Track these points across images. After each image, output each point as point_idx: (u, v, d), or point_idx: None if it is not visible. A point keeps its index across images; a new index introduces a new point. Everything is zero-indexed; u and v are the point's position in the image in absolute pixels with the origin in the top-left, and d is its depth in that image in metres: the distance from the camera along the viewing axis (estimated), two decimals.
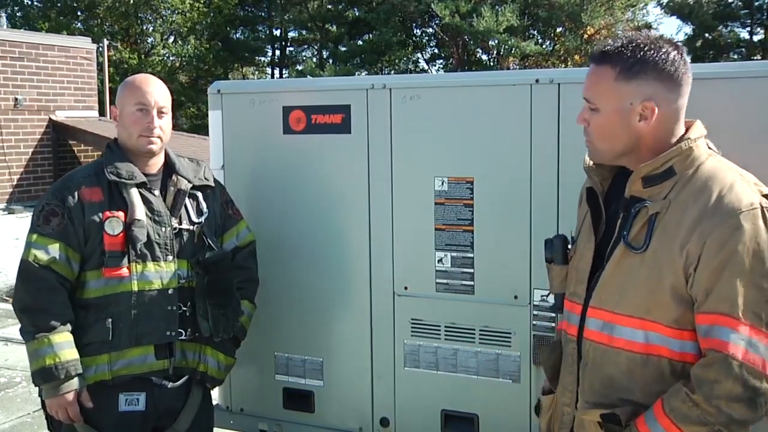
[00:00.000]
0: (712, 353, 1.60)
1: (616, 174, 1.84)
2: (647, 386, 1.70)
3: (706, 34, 25.19)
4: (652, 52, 1.68)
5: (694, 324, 1.65)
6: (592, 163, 1.85)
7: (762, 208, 1.61)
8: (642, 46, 1.69)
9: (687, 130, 1.74)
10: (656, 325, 1.68)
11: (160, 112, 2.51)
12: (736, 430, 1.61)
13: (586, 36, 23.60)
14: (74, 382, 2.38)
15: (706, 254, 1.60)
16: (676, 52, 1.70)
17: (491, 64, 24.93)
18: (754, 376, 1.57)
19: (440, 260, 2.69)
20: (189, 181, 2.58)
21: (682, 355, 1.68)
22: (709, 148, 1.76)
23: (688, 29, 26.10)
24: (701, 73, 2.32)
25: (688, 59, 1.74)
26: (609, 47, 1.73)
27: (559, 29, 24.49)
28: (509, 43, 22.44)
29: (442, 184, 2.66)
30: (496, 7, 21.75)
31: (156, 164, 2.56)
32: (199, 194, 2.62)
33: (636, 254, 1.69)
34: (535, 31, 25.22)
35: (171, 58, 24.66)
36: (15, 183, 12.09)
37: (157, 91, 2.52)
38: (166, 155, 2.60)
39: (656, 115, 1.69)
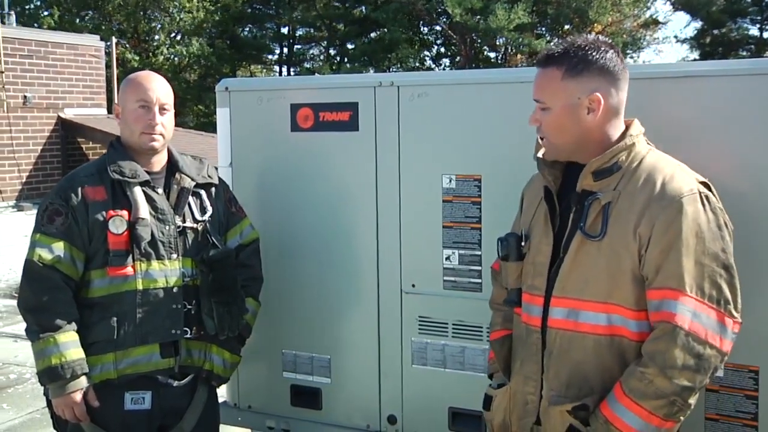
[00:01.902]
0: (662, 325, 1.76)
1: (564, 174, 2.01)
2: (612, 369, 1.85)
3: (715, 30, 25.04)
4: (593, 51, 1.87)
5: None
6: (543, 162, 2.01)
7: (700, 193, 1.81)
8: (583, 46, 1.88)
9: (627, 127, 1.93)
10: (618, 307, 1.84)
11: (162, 109, 2.49)
12: (688, 397, 1.76)
13: (593, 33, 23.52)
14: (80, 381, 2.37)
15: (655, 235, 1.78)
16: (613, 51, 1.90)
17: (499, 61, 24.89)
18: (698, 343, 1.74)
19: (448, 258, 2.69)
20: (192, 179, 2.58)
21: (640, 335, 1.83)
22: (647, 143, 1.94)
23: (696, 25, 25.97)
24: (704, 71, 2.32)
25: (624, 59, 1.93)
26: (553, 51, 1.92)
27: (567, 26, 24.42)
28: (519, 40, 22.40)
29: (450, 181, 2.66)
30: (508, 5, 21.70)
31: (159, 162, 2.56)
32: (203, 192, 2.61)
33: (594, 242, 1.85)
34: (544, 28, 25.16)
35: (176, 58, 24.66)
36: (24, 180, 12.15)
37: (159, 88, 2.50)
38: (169, 153, 2.59)
39: (602, 107, 1.87)
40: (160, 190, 2.52)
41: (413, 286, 2.76)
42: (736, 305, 1.80)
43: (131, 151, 2.51)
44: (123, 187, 2.45)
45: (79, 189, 2.43)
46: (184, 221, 2.53)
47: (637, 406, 1.76)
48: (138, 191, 2.46)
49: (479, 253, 2.63)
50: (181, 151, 2.66)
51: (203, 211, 2.59)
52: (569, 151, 1.93)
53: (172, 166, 2.58)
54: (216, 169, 2.78)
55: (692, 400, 1.78)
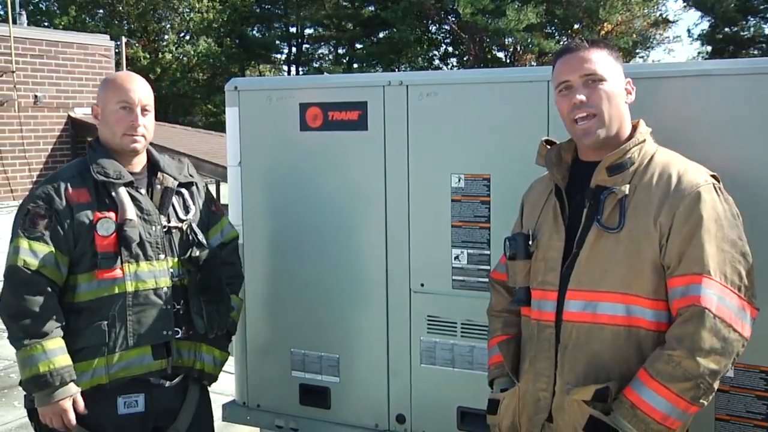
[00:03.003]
0: (690, 309, 1.79)
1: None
2: (629, 360, 1.88)
3: (726, 28, 24.88)
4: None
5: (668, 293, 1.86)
6: (552, 162, 2.06)
7: (712, 184, 1.89)
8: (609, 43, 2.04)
9: (634, 127, 2.00)
10: (637, 298, 1.88)
11: (144, 110, 2.48)
12: (713, 381, 1.80)
13: (603, 32, 23.44)
14: (69, 388, 2.32)
15: (676, 224, 1.83)
16: None
17: (508, 61, 24.85)
18: (724, 326, 1.78)
19: (457, 257, 2.69)
20: (175, 179, 2.57)
21: (658, 324, 1.87)
22: (654, 142, 2.01)
23: (705, 24, 25.82)
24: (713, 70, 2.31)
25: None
26: (591, 38, 2.03)
27: (576, 26, 24.34)
28: (529, 41, 22.37)
29: (459, 181, 2.66)
30: (519, 3, 21.64)
31: (140, 163, 2.54)
32: (185, 191, 2.61)
33: (612, 234, 1.89)
34: (553, 28, 25.09)
35: (185, 57, 24.73)
36: (34, 179, 12.19)
37: (140, 89, 2.48)
38: (149, 153, 2.58)
39: (634, 92, 2.00)
40: (143, 191, 2.50)
41: (422, 285, 2.76)
42: (753, 292, 1.86)
43: (112, 152, 2.48)
44: (107, 189, 2.42)
45: (62, 191, 2.39)
46: (169, 221, 2.52)
47: (665, 389, 1.78)
48: (123, 192, 2.43)
49: (488, 252, 2.63)
50: (158, 150, 2.64)
51: (186, 210, 2.59)
52: (613, 127, 1.95)
53: (153, 166, 2.57)
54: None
55: (716, 384, 1.81)
